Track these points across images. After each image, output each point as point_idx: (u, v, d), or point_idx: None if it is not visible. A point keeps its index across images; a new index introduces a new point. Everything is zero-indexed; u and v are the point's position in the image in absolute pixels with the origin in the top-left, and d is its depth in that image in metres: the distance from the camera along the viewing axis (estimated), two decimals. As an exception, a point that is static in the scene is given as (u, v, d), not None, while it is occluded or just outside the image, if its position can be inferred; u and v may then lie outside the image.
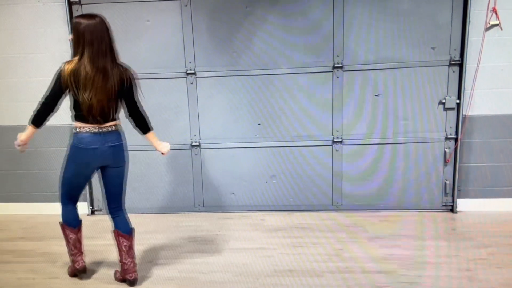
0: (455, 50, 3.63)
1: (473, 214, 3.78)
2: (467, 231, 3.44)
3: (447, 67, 3.66)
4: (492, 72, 3.64)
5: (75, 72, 2.46)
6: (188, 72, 3.84)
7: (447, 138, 3.77)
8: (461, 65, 3.64)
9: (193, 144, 3.96)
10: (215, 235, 3.55)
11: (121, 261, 2.76)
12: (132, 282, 2.77)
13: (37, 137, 3.76)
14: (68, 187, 2.72)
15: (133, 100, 2.69)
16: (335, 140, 3.84)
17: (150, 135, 2.81)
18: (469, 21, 3.53)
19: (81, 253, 2.84)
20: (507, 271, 2.82)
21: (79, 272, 2.85)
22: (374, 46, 3.68)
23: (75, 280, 2.88)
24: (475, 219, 3.67)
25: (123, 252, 2.74)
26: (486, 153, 3.77)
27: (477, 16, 3.55)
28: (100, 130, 2.59)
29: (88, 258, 2.97)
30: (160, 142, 2.85)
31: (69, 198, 2.76)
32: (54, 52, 3.87)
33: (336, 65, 3.72)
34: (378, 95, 3.76)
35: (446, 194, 3.86)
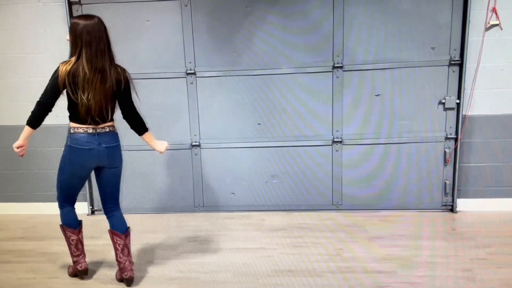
0: (455, 50, 3.63)
1: (473, 214, 3.78)
2: (467, 231, 3.44)
3: (447, 67, 3.66)
4: (492, 72, 3.64)
5: (73, 73, 2.45)
6: (188, 72, 3.84)
7: (447, 138, 3.78)
8: (461, 65, 3.64)
9: (193, 144, 3.96)
10: (215, 235, 3.55)
11: (117, 260, 2.76)
12: (128, 281, 2.75)
13: (37, 137, 3.78)
14: (64, 189, 2.71)
15: (129, 101, 2.68)
16: (335, 140, 3.85)
17: (146, 135, 2.81)
18: (469, 21, 3.53)
19: (83, 254, 2.84)
20: (507, 271, 2.82)
21: (80, 273, 2.85)
22: (374, 46, 3.68)
23: (75, 280, 2.88)
24: (475, 219, 3.68)
25: (118, 251, 2.74)
26: (486, 153, 3.77)
27: (477, 16, 3.56)
28: (96, 131, 2.59)
29: (88, 258, 2.97)
30: (156, 141, 2.84)
31: (66, 199, 2.75)
32: (54, 52, 3.87)
33: (336, 65, 3.72)
34: (378, 95, 3.76)
35: (446, 194, 3.86)
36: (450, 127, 3.76)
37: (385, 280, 2.75)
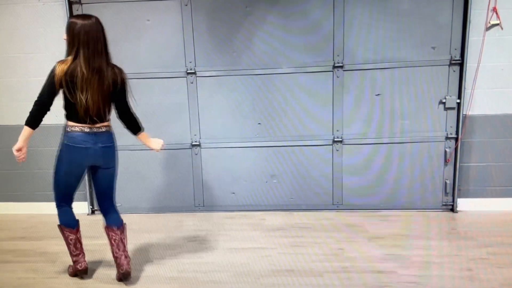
0: (455, 49, 3.63)
1: (473, 214, 3.77)
2: (468, 231, 3.44)
3: (447, 66, 3.66)
4: (493, 72, 3.64)
5: (70, 73, 2.45)
6: (188, 71, 3.84)
7: (447, 138, 3.77)
8: (461, 64, 3.64)
9: (193, 143, 3.96)
10: (215, 235, 3.54)
11: (113, 255, 2.77)
12: (124, 275, 2.74)
13: (36, 137, 3.77)
14: (61, 188, 2.71)
15: (125, 101, 2.69)
16: (335, 139, 3.84)
17: (141, 135, 2.82)
18: (470, 21, 3.53)
19: (82, 253, 2.84)
20: (507, 270, 2.81)
21: (81, 273, 2.84)
22: (374, 46, 3.68)
23: (75, 279, 2.88)
24: (476, 219, 3.67)
25: (113, 246, 2.76)
26: (486, 153, 3.77)
27: (478, 15, 3.55)
28: (92, 130, 2.59)
29: (88, 258, 2.97)
30: (151, 140, 2.86)
31: (63, 199, 2.75)
32: (54, 51, 3.86)
33: (336, 65, 3.72)
34: (378, 94, 3.75)
35: (446, 193, 3.85)
36: (451, 127, 3.75)
37: (385, 280, 2.74)
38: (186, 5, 3.73)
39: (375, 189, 3.90)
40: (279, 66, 3.78)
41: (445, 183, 3.84)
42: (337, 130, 3.84)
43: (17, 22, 3.87)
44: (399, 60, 3.68)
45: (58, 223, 2.79)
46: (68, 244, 2.80)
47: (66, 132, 2.60)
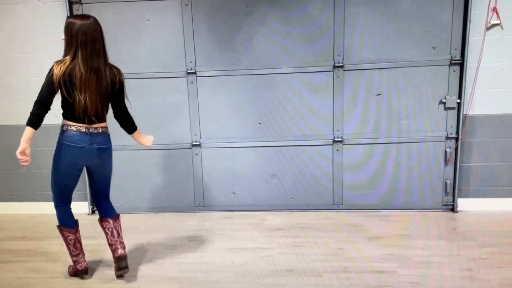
0: (455, 49, 3.62)
1: (473, 214, 3.77)
2: (468, 231, 3.44)
3: (447, 66, 3.66)
4: (493, 72, 3.63)
5: (69, 73, 2.45)
6: (188, 71, 3.84)
7: (447, 138, 3.77)
8: (461, 64, 3.63)
9: (193, 143, 3.96)
10: (215, 235, 3.54)
11: (108, 243, 2.80)
12: (119, 259, 2.75)
13: (37, 137, 3.74)
14: (59, 187, 2.71)
15: (122, 101, 2.71)
16: (335, 139, 3.84)
17: (135, 133, 2.88)
18: (470, 21, 3.53)
19: (82, 253, 2.84)
20: (507, 270, 2.81)
21: (81, 273, 2.84)
22: (374, 46, 3.68)
23: (75, 279, 2.88)
24: (476, 219, 3.67)
25: (108, 235, 2.78)
26: (486, 153, 3.76)
27: (478, 15, 3.55)
28: (89, 130, 2.60)
29: (88, 258, 2.97)
30: (143, 136, 2.91)
31: (61, 199, 2.75)
32: (54, 51, 3.86)
33: (336, 65, 3.72)
34: (378, 94, 3.75)
35: (446, 193, 3.85)
36: (451, 127, 3.75)
37: (385, 280, 2.74)
38: (187, 5, 3.73)
39: (375, 189, 3.90)
40: (280, 65, 3.77)
41: (445, 183, 3.83)
42: (338, 130, 3.84)
43: (17, 22, 3.87)
44: (400, 60, 3.68)
45: (57, 224, 2.79)
46: (67, 244, 2.80)
47: (62, 131, 2.61)
